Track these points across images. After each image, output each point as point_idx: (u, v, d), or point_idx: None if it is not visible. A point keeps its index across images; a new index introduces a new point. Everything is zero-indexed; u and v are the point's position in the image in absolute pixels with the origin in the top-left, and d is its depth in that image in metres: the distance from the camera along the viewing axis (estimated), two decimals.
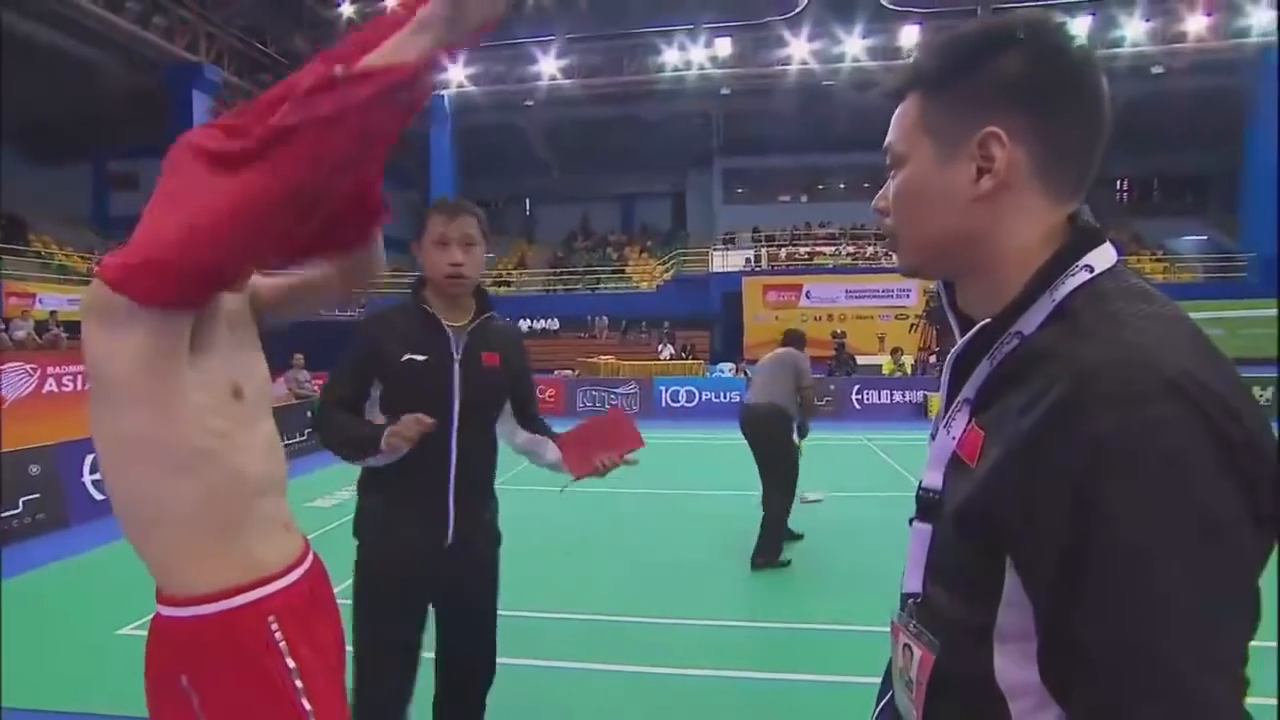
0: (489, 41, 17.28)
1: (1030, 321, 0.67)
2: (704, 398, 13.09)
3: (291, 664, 1.04)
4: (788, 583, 4.20)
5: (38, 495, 5.60)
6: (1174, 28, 16.59)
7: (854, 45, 16.87)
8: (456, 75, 18.36)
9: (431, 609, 1.89)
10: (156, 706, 1.04)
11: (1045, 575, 0.59)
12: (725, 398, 12.96)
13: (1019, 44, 0.68)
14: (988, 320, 0.70)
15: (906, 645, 0.74)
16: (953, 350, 0.75)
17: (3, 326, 12.34)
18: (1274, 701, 2.82)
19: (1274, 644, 3.03)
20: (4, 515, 5.26)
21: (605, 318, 18.93)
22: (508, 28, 16.92)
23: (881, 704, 0.85)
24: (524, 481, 6.98)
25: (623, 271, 21.25)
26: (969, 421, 0.69)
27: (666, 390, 13.27)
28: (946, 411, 0.74)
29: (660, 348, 17.02)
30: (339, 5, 17.09)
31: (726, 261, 19.54)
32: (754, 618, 3.68)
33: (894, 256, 0.79)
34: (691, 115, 20.08)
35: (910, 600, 0.75)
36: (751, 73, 17.68)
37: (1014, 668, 0.64)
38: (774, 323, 17.62)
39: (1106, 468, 0.55)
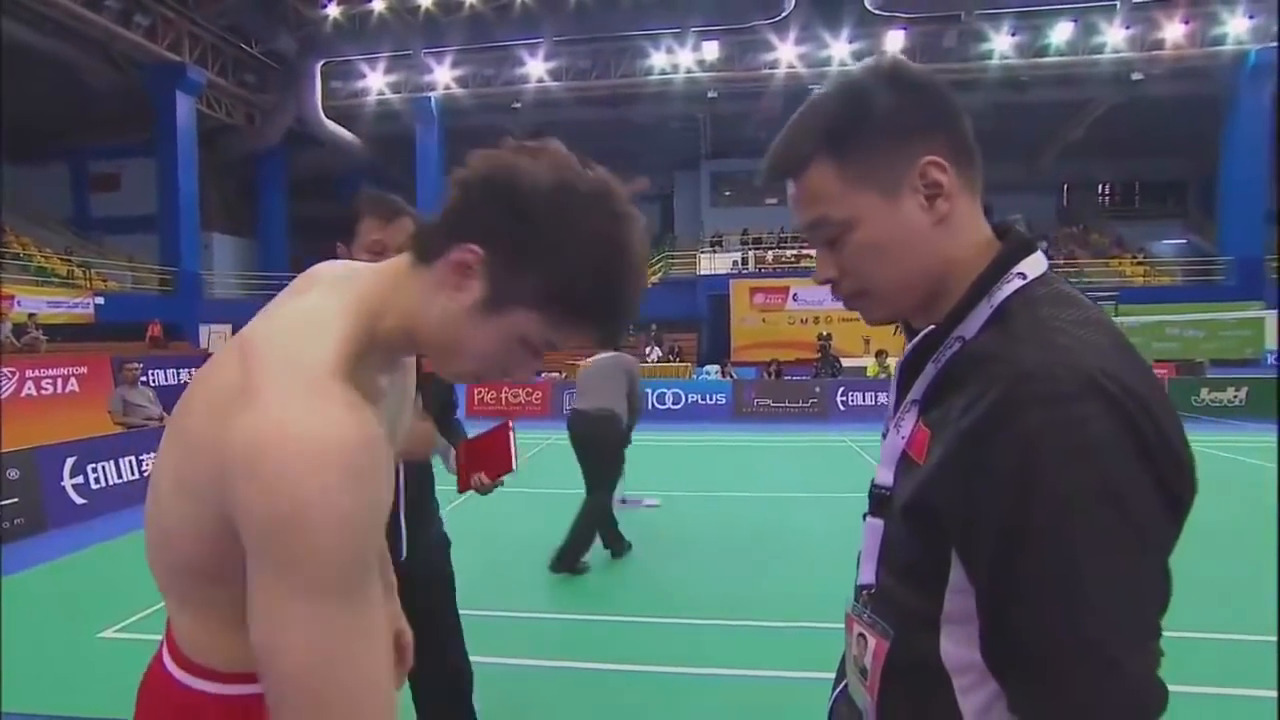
0: (476, 43, 17.29)
1: (971, 326, 0.71)
2: (690, 400, 13.12)
3: None
4: (781, 581, 4.23)
5: (16, 499, 5.54)
6: (1153, 35, 16.87)
7: (840, 49, 17.03)
8: (444, 77, 18.33)
9: None
10: None
11: (984, 563, 0.64)
12: (711, 400, 13.00)
13: (890, 81, 0.72)
14: (932, 326, 0.76)
15: (861, 635, 0.78)
16: (901, 354, 0.80)
17: None
18: (1273, 695, 2.83)
19: (1273, 639, 3.06)
20: None
21: None
22: (495, 30, 16.94)
23: (835, 694, 0.88)
24: (512, 483, 7.01)
25: None
26: (917, 421, 0.73)
27: (653, 392, 13.28)
28: (896, 412, 0.78)
29: (648, 350, 17.04)
30: (324, 6, 17.02)
31: (714, 264, 19.64)
32: (748, 616, 3.69)
33: (864, 314, 0.79)
34: (679, 118, 20.13)
35: (864, 591, 0.79)
36: (738, 76, 17.81)
37: (958, 649, 0.69)
38: (761, 325, 17.75)
39: (1037, 462, 0.60)
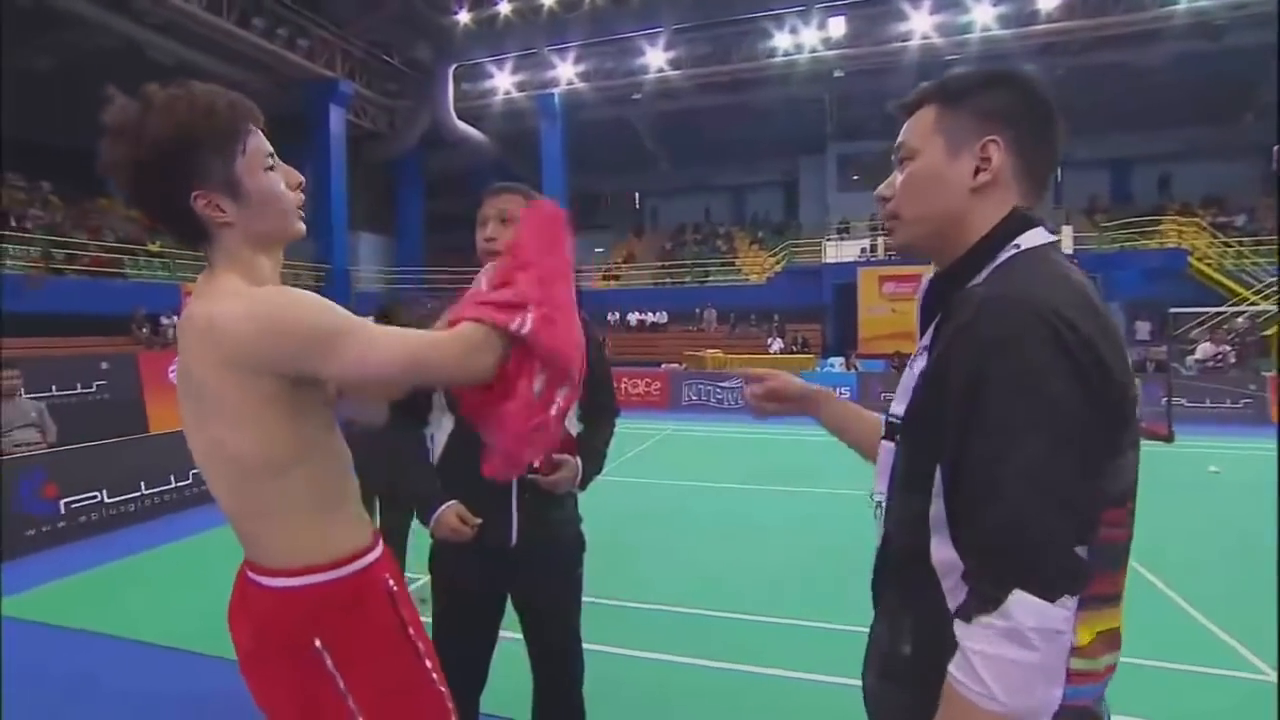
0: (597, 38, 17.48)
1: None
2: None
3: (404, 615, 1.17)
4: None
5: (198, 471, 6.26)
6: None
7: (983, 13, 15.56)
8: (566, 73, 18.71)
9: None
10: (275, 672, 1.10)
11: (950, 449, 0.83)
12: (835, 393, 12.37)
13: (1013, 83, 0.94)
14: (932, 276, 0.99)
15: (878, 534, 1.01)
16: (918, 302, 1.01)
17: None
18: None
19: (1274, 680, 2.71)
20: (177, 485, 6.10)
21: (714, 310, 18.68)
22: (615, 23, 17.02)
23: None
24: (628, 473, 6.98)
25: (732, 263, 20.89)
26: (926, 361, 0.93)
27: None
28: (914, 356, 0.97)
29: (769, 341, 16.57)
30: (456, 12, 17.87)
31: (840, 252, 18.70)
32: (849, 621, 3.40)
33: (891, 236, 1.03)
34: (803, 100, 19.31)
35: (878, 503, 1.00)
36: (867, 52, 16.74)
37: (943, 550, 0.85)
38: (891, 315, 16.69)
39: (986, 365, 0.79)
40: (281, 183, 1.10)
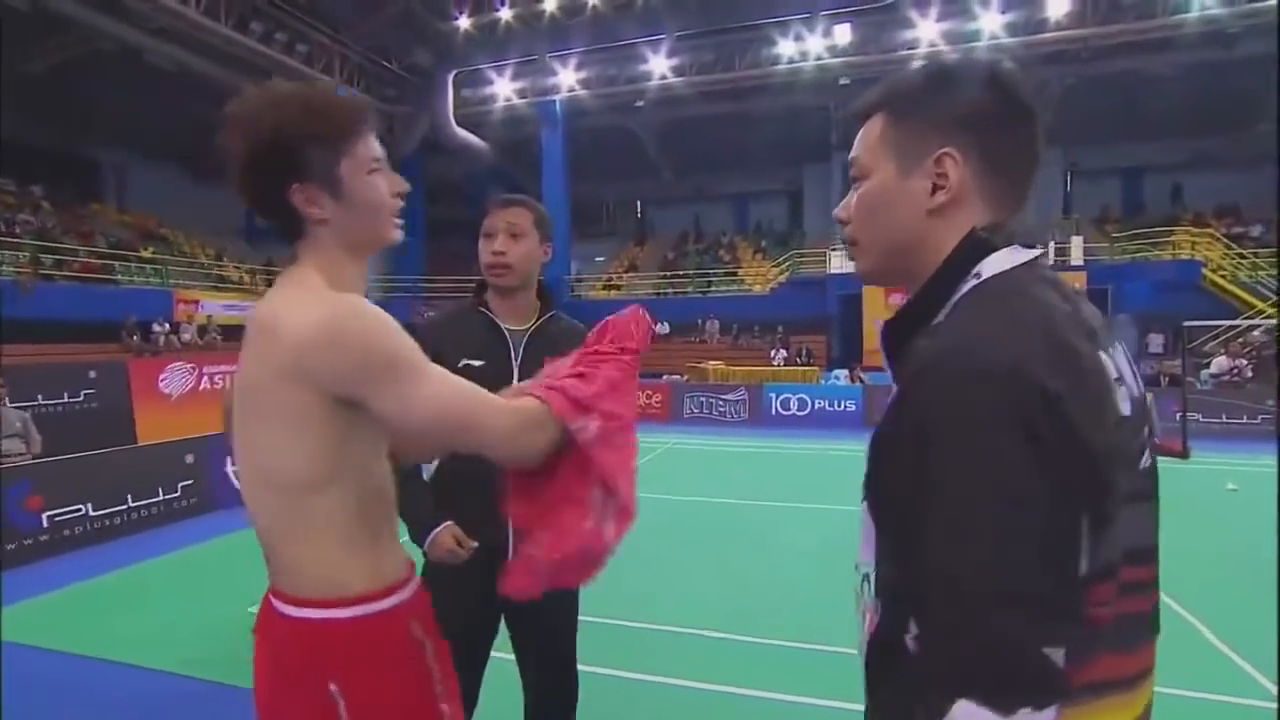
0: (599, 44, 17.38)
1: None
2: (817, 406, 12.38)
3: (435, 667, 1.10)
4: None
5: (191, 481, 6.09)
6: None
7: (991, 21, 15.45)
8: (568, 79, 18.60)
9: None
10: (287, 705, 1.03)
11: (901, 531, 0.73)
12: (840, 406, 12.20)
13: (973, 79, 0.80)
14: (885, 320, 0.84)
15: (863, 614, 0.85)
16: (880, 346, 0.86)
17: (173, 329, 13.83)
18: None
19: (1273, 698, 2.85)
20: (165, 498, 5.92)
21: (716, 321, 18.50)
22: (618, 29, 16.92)
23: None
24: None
25: (735, 274, 20.72)
26: None
27: (777, 398, 12.67)
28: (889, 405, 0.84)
29: (773, 353, 16.39)
30: (456, 18, 17.78)
31: (845, 262, 18.53)
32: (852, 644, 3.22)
33: (856, 263, 0.91)
34: (808, 109, 19.19)
35: (865, 573, 0.84)
36: (873, 60, 16.61)
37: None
38: None
39: (925, 439, 0.67)
40: (383, 188, 1.09)
